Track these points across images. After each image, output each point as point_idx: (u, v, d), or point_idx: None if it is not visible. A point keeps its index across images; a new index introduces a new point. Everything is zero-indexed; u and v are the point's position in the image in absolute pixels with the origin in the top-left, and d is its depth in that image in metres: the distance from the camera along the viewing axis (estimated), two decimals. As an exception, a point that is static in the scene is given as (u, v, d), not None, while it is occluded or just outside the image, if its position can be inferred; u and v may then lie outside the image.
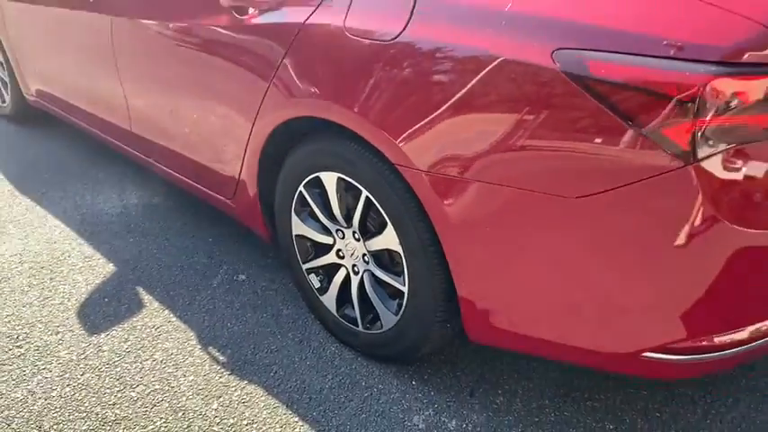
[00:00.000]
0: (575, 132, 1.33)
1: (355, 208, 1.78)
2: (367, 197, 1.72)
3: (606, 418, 1.74)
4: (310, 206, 1.93)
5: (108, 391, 1.87)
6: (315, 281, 2.04)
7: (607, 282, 1.42)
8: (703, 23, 1.23)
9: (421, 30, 1.50)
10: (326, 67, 1.71)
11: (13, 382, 1.90)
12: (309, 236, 1.98)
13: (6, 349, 2.02)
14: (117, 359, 1.98)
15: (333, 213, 1.87)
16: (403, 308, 1.77)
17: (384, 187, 1.65)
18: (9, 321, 2.15)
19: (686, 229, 1.29)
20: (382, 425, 1.74)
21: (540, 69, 1.33)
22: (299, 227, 2.00)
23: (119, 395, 1.85)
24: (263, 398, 1.84)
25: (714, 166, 1.25)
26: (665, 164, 1.25)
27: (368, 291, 1.87)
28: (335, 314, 2.01)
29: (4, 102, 3.69)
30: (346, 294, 1.96)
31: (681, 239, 1.30)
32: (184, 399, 1.84)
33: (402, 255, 1.70)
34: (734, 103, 1.20)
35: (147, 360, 1.98)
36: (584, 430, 1.70)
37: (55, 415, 1.78)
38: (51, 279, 2.36)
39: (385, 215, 1.69)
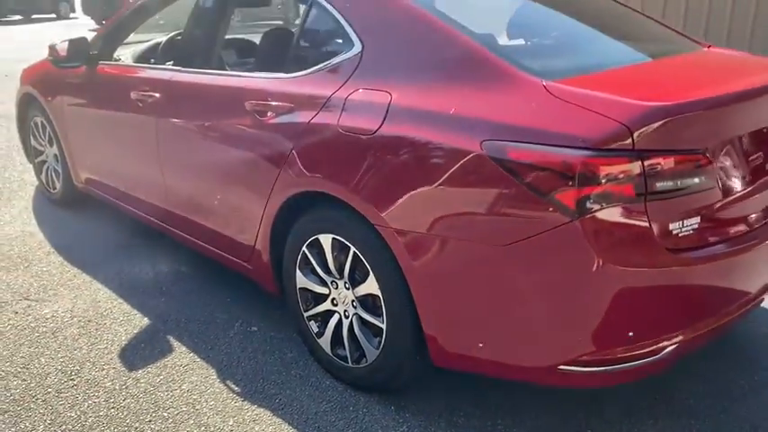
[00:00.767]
0: (499, 199, 1.86)
1: (346, 262, 2.29)
2: (354, 252, 2.23)
3: None
4: (311, 263, 2.43)
5: (144, 411, 2.31)
6: (314, 326, 2.51)
7: (528, 309, 1.89)
8: (579, 121, 1.78)
9: (391, 128, 2.07)
10: (325, 154, 2.27)
11: (69, 405, 2.35)
12: (310, 288, 2.48)
13: (62, 382, 2.48)
14: (151, 389, 2.43)
15: (329, 267, 2.37)
16: (383, 342, 2.24)
17: (367, 243, 2.16)
18: (63, 361, 2.61)
19: (577, 266, 1.78)
20: (382, 420, 2.17)
21: (473, 155, 1.87)
22: (302, 281, 2.49)
23: (153, 414, 2.29)
24: (269, 417, 2.27)
25: (594, 220, 1.75)
26: (560, 219, 1.76)
27: (356, 330, 2.34)
28: (330, 354, 2.46)
29: (54, 189, 4.29)
30: (338, 337, 2.43)
31: (575, 274, 1.80)
32: (206, 417, 2.28)
33: (381, 298, 2.19)
34: (602, 176, 1.73)
35: (176, 390, 2.43)
36: (525, 440, 2.12)
37: (103, 428, 2.22)
38: (97, 330, 2.84)
39: (368, 265, 2.19)
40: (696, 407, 2.29)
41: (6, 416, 2.29)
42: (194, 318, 2.93)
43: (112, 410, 2.32)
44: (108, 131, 3.50)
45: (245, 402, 2.36)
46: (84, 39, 3.54)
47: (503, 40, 2.30)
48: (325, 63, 2.38)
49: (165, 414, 2.30)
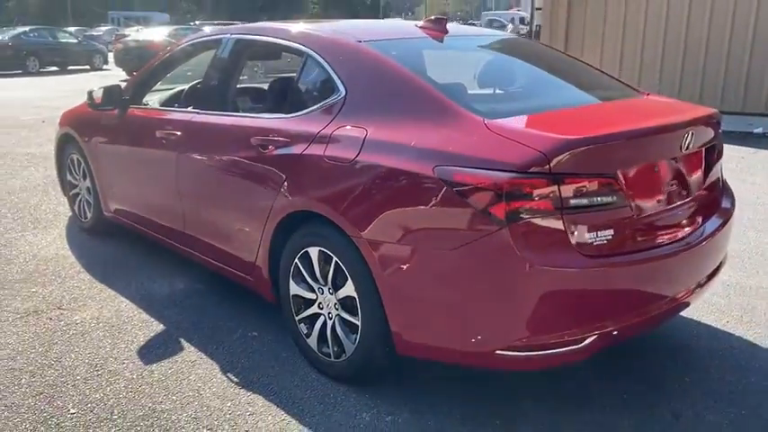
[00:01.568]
0: (447, 212, 2.30)
1: (329, 270, 2.72)
2: (336, 261, 2.67)
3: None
4: (302, 273, 2.87)
5: (157, 395, 2.73)
6: (303, 328, 2.94)
7: (471, 304, 2.31)
8: (508, 151, 2.22)
9: (366, 157, 2.53)
10: (313, 179, 2.74)
11: (94, 389, 2.78)
12: (301, 294, 2.91)
13: (89, 372, 2.92)
14: (163, 378, 2.86)
15: (316, 276, 2.81)
16: (358, 337, 2.65)
17: (345, 253, 2.60)
18: (90, 357, 3.05)
19: (507, 266, 2.21)
20: (342, 417, 2.57)
21: (427, 178, 2.32)
22: (294, 289, 2.93)
23: (164, 398, 2.71)
24: (262, 401, 2.68)
25: (520, 228, 2.18)
26: (493, 228, 2.20)
27: (337, 329, 2.76)
28: (316, 351, 2.88)
29: (86, 218, 4.80)
30: (323, 336, 2.84)
31: (505, 273, 2.22)
32: (208, 401, 2.69)
33: (357, 299, 2.62)
34: (524, 193, 2.17)
35: (184, 380, 2.85)
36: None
37: (122, 407, 2.65)
38: (119, 333, 3.29)
39: (346, 272, 2.63)
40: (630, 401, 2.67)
41: (42, 396, 2.72)
42: (203, 325, 3.37)
43: (130, 394, 2.75)
44: (135, 166, 4.02)
45: (242, 390, 2.77)
46: (117, 86, 4.10)
47: (458, 87, 2.77)
48: (316, 105, 2.88)
49: (174, 398, 2.72)
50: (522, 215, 2.19)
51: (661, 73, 10.65)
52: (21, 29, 23.49)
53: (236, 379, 2.86)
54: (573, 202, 2.22)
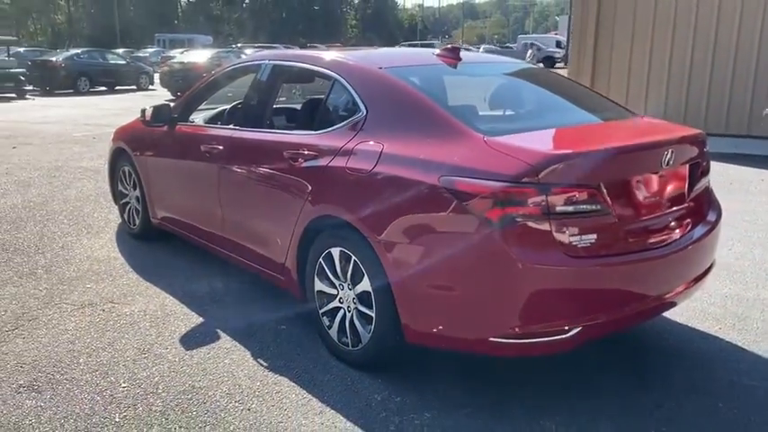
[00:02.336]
0: (450, 217, 2.65)
1: (348, 268, 3.08)
2: (354, 260, 3.03)
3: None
4: (325, 271, 3.23)
5: (195, 374, 3.12)
6: (326, 321, 3.30)
7: (469, 296, 2.64)
8: (503, 163, 2.57)
9: (381, 168, 2.90)
10: (336, 187, 3.11)
11: (141, 369, 3.17)
12: (325, 290, 3.27)
13: (137, 354, 3.32)
14: (202, 362, 3.24)
15: (337, 273, 3.17)
16: (373, 328, 3.00)
17: (363, 252, 2.96)
18: (138, 342, 3.46)
19: (499, 264, 2.54)
20: (356, 397, 2.91)
21: (433, 186, 2.68)
22: (318, 285, 3.29)
23: (201, 377, 3.09)
24: (287, 382, 3.04)
25: (511, 231, 2.52)
26: (488, 230, 2.54)
27: (355, 321, 3.11)
28: (336, 341, 3.23)
29: (134, 225, 5.27)
30: (342, 327, 3.19)
31: (498, 270, 2.55)
32: (240, 380, 3.06)
33: (372, 293, 2.97)
34: (516, 200, 2.51)
35: (219, 363, 3.23)
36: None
37: (166, 383, 3.03)
38: (163, 323, 3.69)
39: (363, 269, 2.98)
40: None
41: (97, 373, 3.13)
42: (238, 318, 3.75)
43: (173, 373, 3.14)
44: (181, 177, 4.47)
45: (270, 372, 3.14)
46: (167, 105, 4.56)
47: (464, 108, 3.13)
48: (341, 123, 3.27)
49: (211, 377, 3.10)
50: (513, 220, 2.52)
51: (687, 100, 10.84)
52: (73, 51, 24.70)
53: (265, 363, 3.23)
54: (559, 208, 2.55)
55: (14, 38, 25.57)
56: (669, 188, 2.96)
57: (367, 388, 3.00)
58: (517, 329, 2.60)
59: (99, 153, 9.01)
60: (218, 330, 3.61)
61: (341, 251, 3.12)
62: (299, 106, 4.22)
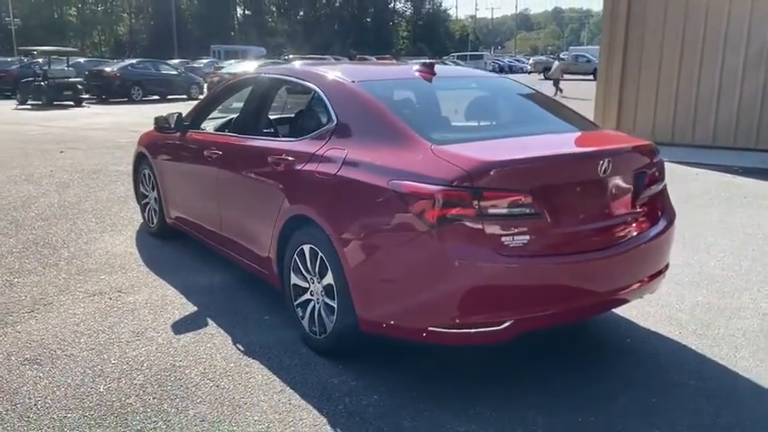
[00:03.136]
0: (396, 217, 2.92)
1: (316, 263, 3.38)
2: (321, 256, 3.33)
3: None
4: (299, 266, 3.54)
5: (178, 354, 3.46)
6: (299, 311, 3.60)
7: (411, 289, 2.91)
8: (442, 169, 2.83)
9: (344, 172, 3.20)
10: (308, 190, 3.42)
11: (132, 349, 3.54)
12: (298, 283, 3.58)
13: (131, 337, 3.69)
14: (187, 345, 3.59)
15: (308, 268, 3.48)
16: (335, 318, 3.29)
17: (326, 249, 3.26)
18: (134, 327, 3.83)
19: (436, 260, 2.80)
20: (316, 379, 3.20)
21: (383, 189, 2.96)
22: (293, 279, 3.60)
23: (183, 357, 3.43)
24: (257, 364, 3.36)
25: (447, 230, 2.77)
26: (426, 229, 2.80)
27: (321, 311, 3.40)
28: (308, 330, 3.53)
29: (152, 224, 5.70)
30: (312, 318, 3.49)
31: (435, 265, 2.81)
32: (216, 361, 3.39)
33: (334, 286, 3.26)
34: (451, 202, 2.76)
35: (202, 346, 3.57)
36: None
37: (150, 362, 3.39)
38: (161, 311, 4.06)
39: (327, 264, 3.28)
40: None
41: (93, 351, 3.51)
42: (228, 309, 4.10)
43: (159, 354, 3.49)
44: (189, 179, 4.86)
45: (245, 356, 3.46)
46: (179, 113, 4.97)
47: (422, 119, 3.40)
48: (316, 132, 3.58)
49: (191, 358, 3.44)
50: (449, 220, 2.78)
51: (717, 114, 10.79)
52: (128, 61, 25.90)
53: (242, 348, 3.56)
54: (491, 211, 2.79)
55: (74, 49, 26.88)
56: (610, 195, 3.15)
57: (327, 372, 3.29)
58: (453, 320, 2.85)
59: (137, 158, 9.57)
60: (208, 318, 3.96)
61: (311, 248, 3.42)
62: (288, 116, 4.57)
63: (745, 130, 10.56)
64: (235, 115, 5.12)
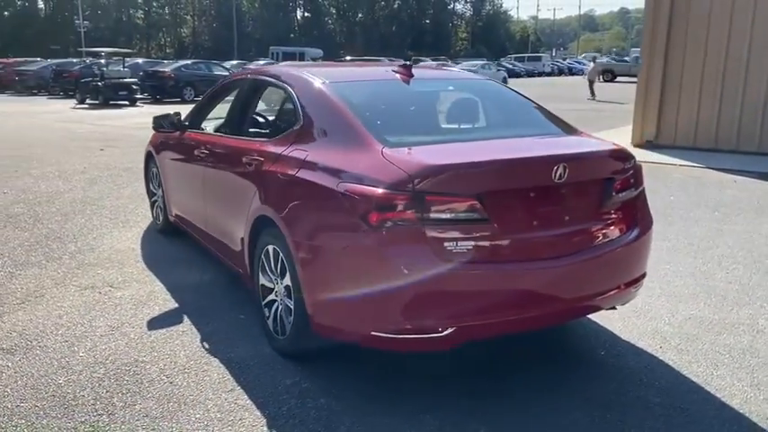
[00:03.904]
0: (343, 218, 2.90)
1: (278, 263, 3.39)
2: (281, 257, 3.33)
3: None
4: (265, 266, 3.55)
5: (144, 351, 3.52)
6: (266, 311, 3.61)
7: (353, 292, 2.87)
8: (387, 172, 2.79)
9: (302, 173, 3.20)
10: (271, 190, 3.43)
11: (104, 343, 3.62)
12: (265, 284, 3.59)
13: (105, 331, 3.78)
14: (155, 341, 3.65)
15: (273, 269, 3.48)
16: (292, 319, 3.28)
17: (285, 249, 3.25)
18: (113, 321, 3.92)
19: (377, 264, 2.76)
20: (270, 379, 3.21)
21: (333, 191, 2.94)
22: (261, 279, 3.62)
23: (148, 353, 3.49)
24: (218, 362, 3.38)
25: (387, 233, 2.73)
26: (368, 232, 2.76)
27: (282, 312, 3.40)
28: (272, 330, 3.54)
29: (159, 221, 5.84)
30: (275, 318, 3.50)
31: (376, 269, 2.77)
32: (178, 358, 3.43)
33: (291, 288, 3.25)
34: (391, 205, 2.72)
35: (169, 343, 3.62)
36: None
37: (115, 356, 3.46)
38: (143, 306, 4.15)
39: (287, 265, 3.28)
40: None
41: (66, 344, 3.61)
42: (207, 307, 4.15)
43: (126, 348, 3.56)
44: (184, 178, 4.95)
45: (208, 354, 3.50)
46: (178, 113, 5.06)
47: (384, 121, 3.35)
48: (285, 132, 3.59)
49: (155, 354, 3.49)
50: (389, 223, 2.73)
51: (763, 118, 10.29)
52: (182, 62, 26.61)
53: (207, 346, 3.59)
54: (433, 215, 2.73)
55: (130, 50, 27.86)
56: (569, 201, 3.04)
57: (283, 373, 3.28)
58: (393, 326, 2.80)
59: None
60: (185, 315, 4.02)
61: (273, 248, 3.42)
62: (267, 116, 4.60)
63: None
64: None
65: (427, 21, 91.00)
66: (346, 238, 2.88)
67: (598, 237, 3.12)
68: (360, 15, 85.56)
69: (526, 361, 3.47)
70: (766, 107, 10.27)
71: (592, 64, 27.16)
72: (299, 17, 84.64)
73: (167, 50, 70.24)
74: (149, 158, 5.92)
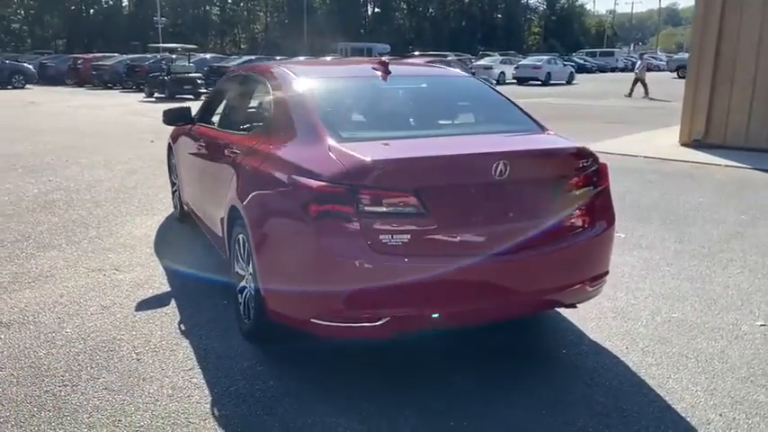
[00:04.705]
0: (291, 209, 3.03)
1: (245, 252, 3.55)
2: (247, 245, 3.49)
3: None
4: (237, 254, 3.72)
5: (124, 330, 3.76)
6: (239, 297, 3.78)
7: (294, 280, 3.00)
8: (329, 166, 2.90)
9: (264, 165, 3.34)
10: (240, 181, 3.59)
11: (92, 321, 3.89)
12: (239, 271, 3.76)
13: (97, 310, 4.05)
14: (138, 321, 3.88)
15: (242, 256, 3.65)
16: (254, 304, 3.44)
17: (248, 238, 3.41)
18: (109, 300, 4.19)
19: (314, 253, 2.87)
20: (229, 363, 3.37)
21: (285, 183, 3.08)
22: (235, 266, 3.79)
23: (127, 332, 3.73)
24: (187, 344, 3.58)
25: (324, 225, 2.84)
26: (308, 223, 2.88)
27: (250, 298, 3.56)
28: (242, 315, 3.71)
29: (176, 209, 6.14)
30: (245, 304, 3.66)
31: (313, 258, 2.88)
32: (153, 338, 3.65)
33: (254, 275, 3.41)
34: (329, 197, 2.82)
35: (148, 324, 3.84)
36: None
37: (97, 332, 3.71)
38: (139, 289, 4.41)
39: (250, 254, 3.44)
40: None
41: (57, 320, 3.89)
42: (198, 292, 4.36)
43: (109, 327, 3.81)
44: (190, 169, 5.20)
45: (181, 335, 3.70)
46: (188, 107, 5.32)
47: (343, 117, 3.45)
48: (259, 125, 3.75)
49: (134, 333, 3.72)
50: (326, 215, 2.84)
51: None
52: (246, 57, 27.38)
53: (183, 328, 3.80)
54: (369, 208, 2.81)
55: (194, 46, 28.86)
56: (513, 197, 3.05)
57: (244, 356, 3.45)
58: (329, 314, 2.91)
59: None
60: (173, 298, 4.25)
61: (242, 237, 3.59)
62: (251, 110, 4.77)
63: None
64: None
65: (499, 15, 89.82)
66: (291, 229, 3.01)
67: (546, 234, 3.11)
68: (431, 10, 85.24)
69: (483, 355, 3.51)
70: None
71: (639, 61, 25.34)
72: (369, 13, 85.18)
73: (242, 46, 72.16)
74: (169, 150, 6.22)
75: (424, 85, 4.11)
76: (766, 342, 3.65)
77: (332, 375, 3.26)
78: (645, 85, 23.62)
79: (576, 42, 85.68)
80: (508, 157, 2.96)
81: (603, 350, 3.57)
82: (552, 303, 3.26)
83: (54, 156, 9.89)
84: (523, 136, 3.53)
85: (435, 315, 2.93)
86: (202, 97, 22.99)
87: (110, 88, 29.89)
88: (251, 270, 3.45)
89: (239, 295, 3.78)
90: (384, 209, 2.84)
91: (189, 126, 5.30)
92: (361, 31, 77.40)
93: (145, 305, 4.15)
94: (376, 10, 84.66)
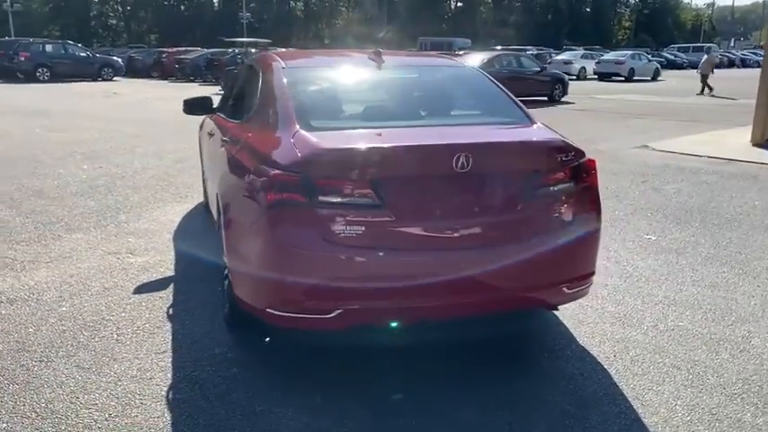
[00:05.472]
0: (254, 197, 3.01)
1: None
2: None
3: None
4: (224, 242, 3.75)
5: (115, 311, 3.86)
6: (225, 284, 3.81)
7: (252, 269, 2.98)
8: (287, 154, 2.87)
9: (239, 153, 3.35)
10: (223, 168, 3.62)
11: (92, 299, 4.02)
12: (223, 257, 3.79)
13: (98, 290, 4.18)
14: (131, 303, 3.98)
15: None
16: (228, 291, 3.45)
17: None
18: (110, 283, 4.33)
19: (268, 242, 2.84)
20: (201, 347, 3.41)
21: (251, 171, 3.06)
22: (224, 254, 3.82)
23: (117, 313, 3.83)
24: (169, 329, 3.64)
25: (278, 213, 2.80)
26: (263, 211, 2.85)
27: (228, 285, 3.59)
28: (225, 301, 3.74)
29: (204, 197, 6.29)
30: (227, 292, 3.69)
31: (267, 247, 2.86)
32: (139, 321, 3.74)
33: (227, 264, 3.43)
34: (283, 186, 2.78)
35: (140, 307, 3.94)
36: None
37: (91, 311, 3.84)
38: (145, 272, 4.53)
39: (226, 242, 3.46)
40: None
41: (58, 299, 4.05)
42: (194, 277, 4.44)
43: (102, 308, 3.92)
44: (205, 157, 5.30)
45: (165, 319, 3.77)
46: (209, 97, 5.40)
47: (318, 106, 3.39)
48: (248, 114, 3.76)
49: (121, 314, 3.82)
50: (280, 204, 2.80)
51: None
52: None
53: (171, 312, 3.87)
54: (323, 198, 2.76)
55: (267, 41, 29.48)
56: (479, 192, 2.91)
57: (217, 342, 3.48)
58: (283, 304, 2.87)
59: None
60: (172, 283, 4.34)
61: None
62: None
63: None
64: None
65: (587, 9, 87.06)
66: (250, 217, 2.99)
67: (514, 230, 2.96)
68: (517, 4, 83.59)
69: (457, 354, 3.38)
70: None
71: (705, 56, 23.23)
72: (452, 7, 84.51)
73: (325, 41, 73.31)
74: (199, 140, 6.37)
75: (415, 76, 4.00)
76: (775, 358, 3.35)
77: (300, 368, 3.24)
78: (705, 83, 22.26)
79: (670, 37, 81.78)
80: (470, 149, 2.82)
81: (589, 356, 3.37)
82: (521, 304, 3.10)
83: (114, 144, 10.34)
84: (500, 128, 3.36)
85: (391, 308, 2.85)
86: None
87: (191, 81, 30.97)
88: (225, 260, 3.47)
89: (225, 282, 3.80)
90: (338, 199, 2.78)
91: (210, 116, 5.40)
92: (444, 25, 76.92)
93: (144, 288, 4.25)
94: (459, 4, 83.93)
